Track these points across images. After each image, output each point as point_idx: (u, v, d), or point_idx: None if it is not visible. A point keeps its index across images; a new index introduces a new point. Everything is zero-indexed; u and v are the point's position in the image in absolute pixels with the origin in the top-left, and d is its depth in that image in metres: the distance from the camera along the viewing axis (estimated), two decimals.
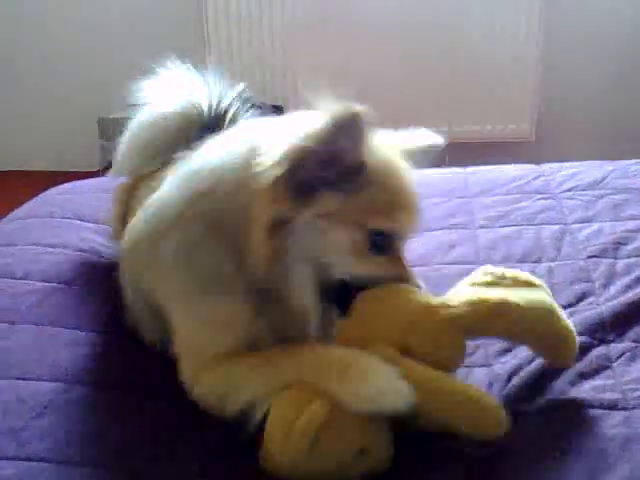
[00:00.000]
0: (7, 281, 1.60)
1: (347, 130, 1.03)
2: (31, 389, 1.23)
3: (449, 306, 1.10)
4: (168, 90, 1.63)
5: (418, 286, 1.17)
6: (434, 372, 1.04)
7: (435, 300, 1.13)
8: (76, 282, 1.60)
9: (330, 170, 1.05)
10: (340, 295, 1.14)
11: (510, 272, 1.19)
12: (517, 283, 1.15)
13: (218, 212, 1.12)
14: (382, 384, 0.99)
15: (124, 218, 1.56)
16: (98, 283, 1.61)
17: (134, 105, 1.65)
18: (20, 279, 1.60)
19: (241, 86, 1.67)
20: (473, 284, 1.18)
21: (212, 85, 1.65)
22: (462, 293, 1.15)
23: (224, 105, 1.63)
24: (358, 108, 1.02)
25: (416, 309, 1.11)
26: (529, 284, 1.17)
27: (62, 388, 1.24)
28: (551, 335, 1.11)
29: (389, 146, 1.18)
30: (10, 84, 4.44)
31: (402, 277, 1.15)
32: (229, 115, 1.62)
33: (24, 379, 1.26)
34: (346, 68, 3.93)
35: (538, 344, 1.13)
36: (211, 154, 1.21)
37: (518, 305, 1.08)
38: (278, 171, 1.03)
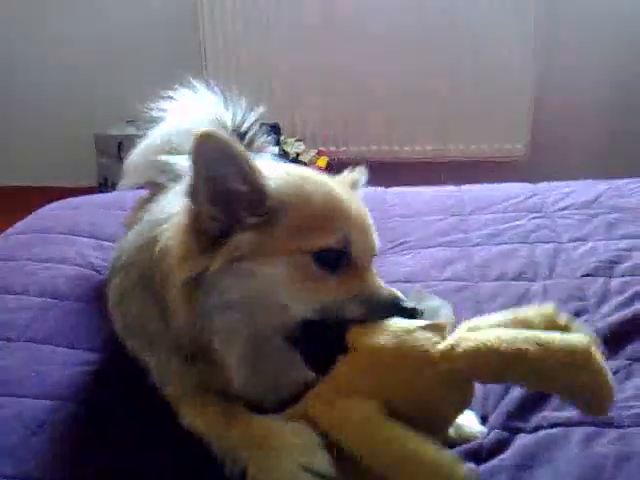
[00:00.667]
0: (4, 297, 1.60)
1: (210, 153, 0.98)
2: (27, 406, 1.23)
3: (450, 358, 0.94)
4: (190, 107, 1.65)
5: (396, 298, 1.06)
6: (411, 440, 0.90)
7: (434, 348, 0.96)
8: (72, 297, 1.61)
9: (228, 207, 1.01)
10: (309, 345, 1.04)
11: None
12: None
13: (150, 269, 1.14)
14: (290, 469, 0.94)
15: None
16: (94, 298, 1.61)
17: (143, 120, 1.66)
18: (16, 294, 1.61)
19: (260, 110, 1.71)
20: (502, 322, 1.01)
21: (235, 106, 1.68)
22: (478, 335, 0.96)
23: (245, 127, 1.67)
24: (208, 131, 0.98)
25: (409, 362, 0.96)
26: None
27: (57, 406, 1.24)
28: (580, 386, 0.94)
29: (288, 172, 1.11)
30: (7, 100, 4.46)
31: (366, 293, 1.05)
32: (248, 137, 1.67)
33: (21, 397, 1.26)
34: (342, 85, 3.97)
35: (563, 394, 0.99)
36: (165, 206, 1.23)
37: (537, 355, 0.91)
38: (180, 229, 1.04)
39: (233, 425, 1.05)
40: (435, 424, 0.96)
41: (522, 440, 1.08)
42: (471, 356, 0.92)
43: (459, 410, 1.02)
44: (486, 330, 0.96)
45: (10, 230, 2.06)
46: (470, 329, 0.98)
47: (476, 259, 1.80)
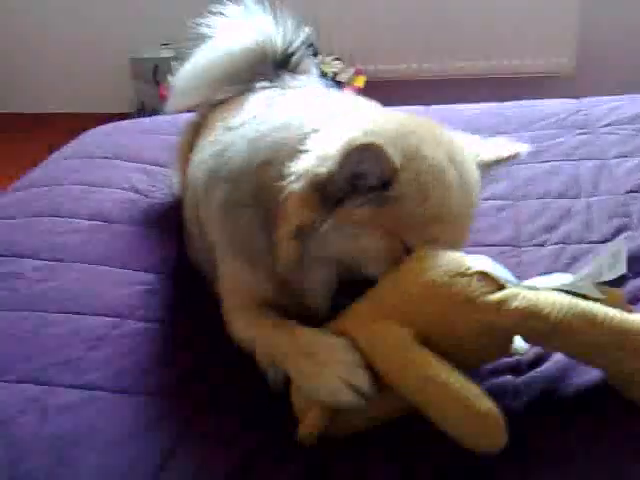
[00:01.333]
0: (54, 220, 1.65)
1: (362, 159, 0.99)
2: (84, 323, 1.28)
3: (500, 311, 0.93)
4: (240, 24, 1.63)
5: None
6: (441, 368, 0.92)
7: (485, 297, 0.95)
8: (121, 220, 1.65)
9: (355, 187, 1.03)
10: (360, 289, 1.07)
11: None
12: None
13: (263, 190, 1.13)
14: (332, 382, 0.97)
15: (189, 148, 1.57)
16: (142, 221, 1.66)
17: (181, 41, 1.66)
18: (66, 217, 1.66)
19: (307, 31, 1.69)
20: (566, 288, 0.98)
21: (284, 25, 1.65)
22: (533, 295, 0.94)
23: (294, 47, 1.65)
24: (371, 141, 0.99)
25: (455, 304, 0.96)
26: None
27: (114, 323, 1.28)
28: (628, 372, 0.94)
29: (445, 155, 1.09)
30: (41, 27, 4.45)
31: None
32: (295, 57, 1.65)
33: (77, 313, 1.31)
34: (379, 2, 3.86)
35: (611, 374, 0.99)
36: (280, 120, 1.20)
37: (586, 331, 0.91)
38: (309, 181, 1.03)
39: (282, 333, 1.08)
40: (467, 363, 0.96)
41: (558, 356, 1.09)
42: (520, 316, 0.91)
43: (495, 358, 1.04)
44: (543, 292, 0.95)
45: (54, 155, 2.10)
46: (527, 287, 0.97)
47: (520, 177, 1.78)
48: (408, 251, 1.04)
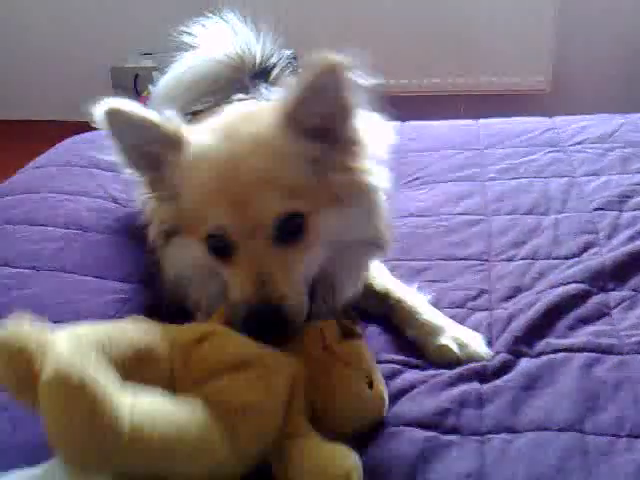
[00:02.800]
0: (29, 228, 1.65)
1: (330, 79, 1.02)
2: None
3: None
4: (220, 36, 1.65)
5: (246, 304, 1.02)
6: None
7: None
8: (97, 229, 1.66)
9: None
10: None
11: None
12: None
13: None
14: None
15: None
16: (118, 230, 1.66)
17: (162, 51, 1.67)
18: (42, 226, 1.66)
19: (280, 39, 1.72)
20: None
21: (264, 39, 1.68)
22: None
23: (273, 60, 1.68)
24: (338, 58, 1.02)
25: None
26: None
27: None
28: None
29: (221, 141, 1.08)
30: (23, 33, 4.44)
31: (246, 290, 1.02)
32: (276, 71, 1.67)
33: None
34: (357, 17, 3.90)
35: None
36: None
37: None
38: None
39: None
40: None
41: (526, 364, 1.12)
42: None
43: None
44: None
45: (31, 164, 2.10)
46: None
47: (490, 194, 1.82)
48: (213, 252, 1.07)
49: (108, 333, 0.90)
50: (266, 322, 1.01)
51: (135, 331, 0.94)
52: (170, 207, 1.11)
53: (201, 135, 1.10)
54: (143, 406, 0.81)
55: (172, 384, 0.93)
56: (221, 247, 1.05)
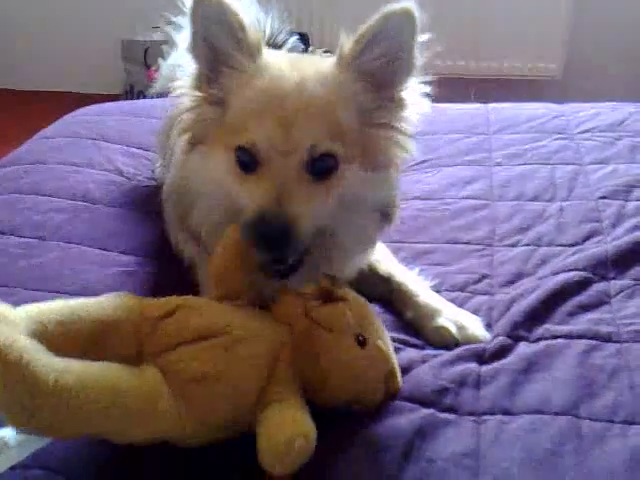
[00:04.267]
0: (36, 198, 1.67)
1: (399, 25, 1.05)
2: None
3: None
4: None
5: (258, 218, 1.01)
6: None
7: None
8: (103, 202, 1.67)
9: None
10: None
11: None
12: None
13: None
14: None
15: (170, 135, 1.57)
16: (124, 204, 1.68)
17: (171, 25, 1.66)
18: (48, 196, 1.68)
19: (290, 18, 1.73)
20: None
21: (273, 16, 1.68)
22: None
23: (282, 37, 1.68)
24: (407, 7, 1.04)
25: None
26: None
27: None
28: None
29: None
30: (35, 3, 4.43)
31: (264, 197, 1.02)
32: (285, 49, 1.66)
33: (54, 292, 1.32)
34: None
35: None
36: None
37: None
38: None
39: None
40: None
41: (524, 348, 1.14)
42: None
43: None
44: None
45: (39, 134, 2.11)
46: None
47: (496, 179, 1.82)
48: (241, 165, 1.06)
49: (70, 308, 0.93)
50: (273, 236, 1.01)
51: (99, 307, 0.96)
52: (212, 110, 1.11)
53: (273, 57, 1.12)
54: (73, 370, 0.83)
55: (140, 357, 0.95)
56: (247, 162, 1.06)
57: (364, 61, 1.07)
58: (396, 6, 1.02)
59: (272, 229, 1.00)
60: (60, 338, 0.89)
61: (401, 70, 1.08)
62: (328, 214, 1.08)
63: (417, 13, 1.03)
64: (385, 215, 1.18)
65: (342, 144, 1.05)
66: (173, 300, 1.02)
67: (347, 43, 1.08)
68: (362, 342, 1.00)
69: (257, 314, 1.03)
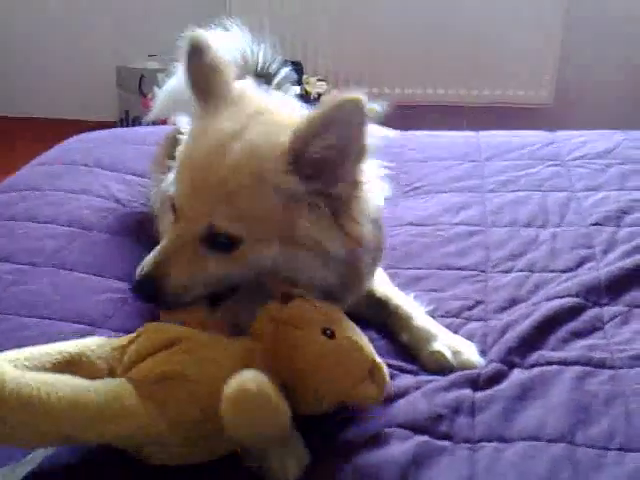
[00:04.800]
0: (31, 225, 1.67)
1: (348, 116, 1.00)
2: (55, 329, 1.28)
3: None
4: (224, 39, 1.66)
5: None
6: None
7: None
8: (98, 228, 1.67)
9: None
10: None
11: None
12: None
13: None
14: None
15: (166, 161, 1.58)
16: (120, 230, 1.68)
17: (166, 54, 1.68)
18: (44, 223, 1.68)
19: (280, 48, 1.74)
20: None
21: (267, 44, 1.70)
22: None
23: (275, 66, 1.70)
24: (358, 96, 0.99)
25: None
26: None
27: (85, 330, 1.28)
28: None
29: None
30: (30, 32, 4.46)
31: (151, 259, 1.09)
32: (279, 77, 1.70)
33: (48, 318, 1.32)
34: (365, 26, 3.93)
35: None
36: None
37: None
38: None
39: None
40: None
41: (518, 374, 1.13)
42: None
43: None
44: None
45: (34, 161, 2.12)
46: None
47: (489, 205, 1.83)
48: None
49: (40, 348, 0.98)
50: (139, 289, 1.09)
51: (67, 343, 1.01)
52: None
53: (235, 110, 1.12)
54: (33, 377, 0.88)
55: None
56: (174, 209, 1.11)
57: (309, 151, 1.03)
58: (345, 96, 0.99)
59: (139, 287, 1.09)
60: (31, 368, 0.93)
61: (349, 158, 1.04)
62: (231, 281, 1.10)
63: (366, 102, 0.99)
64: (330, 295, 1.14)
65: (249, 226, 1.04)
66: (137, 330, 1.06)
67: (298, 127, 1.04)
68: (330, 335, 1.01)
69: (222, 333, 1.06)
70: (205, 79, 1.14)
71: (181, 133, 1.24)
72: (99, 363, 0.99)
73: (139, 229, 1.69)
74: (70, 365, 0.97)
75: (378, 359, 1.05)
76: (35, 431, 0.87)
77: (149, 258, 1.08)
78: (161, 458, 0.95)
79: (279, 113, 1.14)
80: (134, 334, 1.05)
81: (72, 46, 4.45)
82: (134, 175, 1.98)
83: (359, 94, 0.99)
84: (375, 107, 1.03)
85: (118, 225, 1.70)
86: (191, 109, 1.53)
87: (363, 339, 1.06)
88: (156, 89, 1.89)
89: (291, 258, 1.08)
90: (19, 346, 1.17)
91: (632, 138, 2.16)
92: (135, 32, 4.27)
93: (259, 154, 1.05)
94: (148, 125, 2.23)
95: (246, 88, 1.19)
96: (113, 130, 2.51)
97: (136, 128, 2.60)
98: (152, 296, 1.09)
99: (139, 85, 3.98)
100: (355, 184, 1.07)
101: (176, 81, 1.67)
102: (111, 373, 0.99)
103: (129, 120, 4.04)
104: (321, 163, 1.03)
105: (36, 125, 4.46)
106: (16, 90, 4.63)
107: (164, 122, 2.18)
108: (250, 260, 1.07)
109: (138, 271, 1.08)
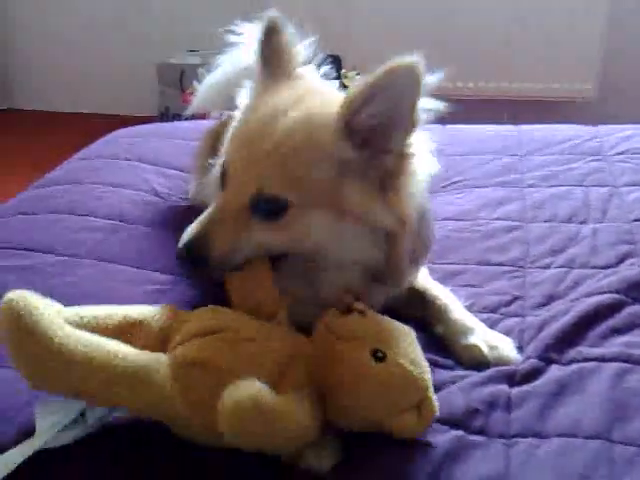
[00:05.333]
0: (73, 217, 1.70)
1: (403, 80, 1.00)
2: None
3: None
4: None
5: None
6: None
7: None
8: (139, 221, 1.70)
9: None
10: None
11: None
12: None
13: None
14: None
15: (207, 155, 1.58)
16: (160, 224, 1.70)
17: (206, 49, 1.70)
18: (85, 216, 1.71)
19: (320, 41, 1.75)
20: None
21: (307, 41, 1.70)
22: None
23: (316, 61, 1.69)
24: (412, 62, 1.00)
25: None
26: None
27: None
28: None
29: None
30: (71, 28, 4.55)
31: (198, 225, 1.10)
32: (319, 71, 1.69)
33: None
34: (405, 19, 3.90)
35: None
36: None
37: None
38: None
39: None
40: None
41: (556, 371, 1.12)
42: None
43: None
44: None
45: (77, 155, 2.17)
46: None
47: (529, 200, 1.81)
48: None
49: (104, 308, 1.03)
50: (189, 264, 1.11)
51: (131, 308, 1.05)
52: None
53: (288, 89, 1.14)
54: (83, 336, 0.92)
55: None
56: (222, 178, 1.13)
57: (362, 117, 1.03)
58: (401, 61, 0.99)
59: (188, 259, 1.10)
60: (89, 327, 0.97)
61: (400, 127, 1.04)
62: (277, 249, 1.10)
63: (423, 69, 0.99)
64: (376, 277, 1.15)
65: (299, 192, 1.05)
66: (197, 309, 1.09)
67: (351, 93, 1.05)
68: (380, 357, 0.97)
69: (278, 328, 1.05)
70: (275, 57, 1.19)
71: (224, 127, 1.26)
72: (157, 332, 1.01)
73: (179, 222, 1.70)
74: (131, 328, 1.00)
75: (431, 392, 0.99)
76: (69, 384, 0.91)
77: (194, 225, 1.09)
78: (187, 435, 0.97)
79: (333, 92, 1.20)
80: (194, 311, 1.07)
81: (114, 43, 4.53)
82: (174, 169, 2.01)
83: (415, 60, 0.99)
84: (438, 105, 1.05)
85: (158, 219, 1.73)
86: (231, 103, 1.56)
87: (420, 368, 1.00)
88: (196, 84, 1.91)
89: (338, 231, 1.08)
90: None
91: None
92: (175, 28, 4.32)
93: (313, 120, 1.07)
94: (188, 120, 2.26)
95: (306, 72, 1.23)
96: (153, 125, 2.55)
97: (176, 123, 2.63)
98: (196, 260, 1.09)
99: (180, 80, 4.03)
100: (403, 156, 1.07)
101: (217, 75, 1.69)
102: (165, 342, 1.00)
103: (169, 115, 4.10)
104: (371, 131, 1.04)
105: (79, 120, 4.55)
106: (58, 86, 4.73)
107: (204, 117, 2.22)
108: (296, 229, 1.07)
109: (182, 238, 1.09)
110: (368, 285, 1.16)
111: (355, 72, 3.89)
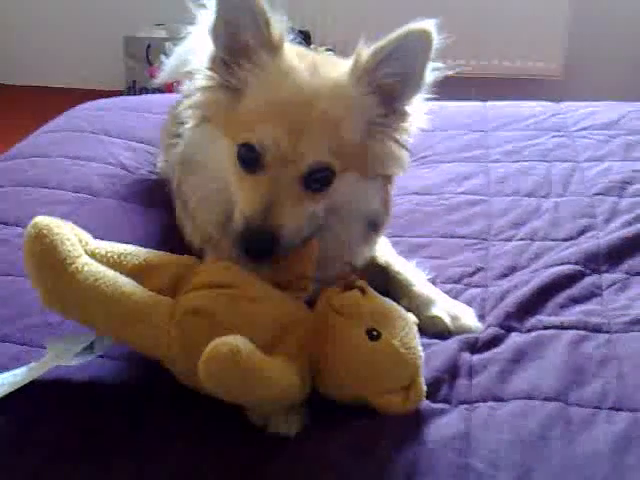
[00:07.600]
0: (40, 190, 1.69)
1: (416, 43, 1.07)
2: None
3: None
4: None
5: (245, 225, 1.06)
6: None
7: None
8: (107, 194, 1.70)
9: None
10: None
11: None
12: None
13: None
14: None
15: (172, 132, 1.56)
16: (128, 196, 1.70)
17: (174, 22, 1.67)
18: (53, 189, 1.70)
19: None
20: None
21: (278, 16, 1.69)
22: None
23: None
24: (425, 27, 1.07)
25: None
26: None
27: None
28: None
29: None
30: (40, 1, 4.45)
31: (254, 207, 1.06)
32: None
33: None
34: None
35: None
36: None
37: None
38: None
39: None
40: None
41: (516, 338, 1.16)
42: None
43: None
44: None
45: (43, 128, 2.14)
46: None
47: (493, 175, 1.84)
48: (241, 161, 1.09)
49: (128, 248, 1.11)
50: (257, 251, 1.06)
51: (152, 252, 1.13)
52: (224, 96, 1.12)
53: (293, 56, 1.13)
54: (105, 272, 1.00)
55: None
56: (248, 160, 1.08)
57: (378, 75, 1.09)
58: (417, 25, 1.06)
59: (256, 245, 1.06)
60: (111, 262, 1.06)
61: (411, 86, 1.11)
62: (316, 223, 1.12)
63: (436, 34, 1.07)
64: (373, 225, 1.21)
65: (342, 158, 1.08)
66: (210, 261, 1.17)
67: (364, 54, 1.09)
68: (375, 336, 1.00)
69: (284, 296, 1.07)
70: (256, 33, 1.10)
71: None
72: (170, 278, 1.07)
73: (147, 195, 1.71)
74: (149, 271, 1.07)
75: (421, 377, 1.02)
76: (76, 310, 1.00)
77: (248, 208, 1.06)
78: (176, 374, 1.02)
79: (331, 58, 1.23)
80: (207, 265, 1.11)
81: (79, 15, 4.43)
82: (141, 142, 2.00)
83: (429, 25, 1.07)
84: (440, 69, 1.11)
85: (126, 192, 1.72)
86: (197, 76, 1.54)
87: (412, 353, 1.02)
88: (163, 57, 1.90)
89: (363, 189, 1.14)
90: (27, 308, 1.24)
91: (638, 109, 2.16)
92: (143, 1, 4.25)
93: (343, 85, 1.10)
94: (154, 93, 2.25)
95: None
96: (120, 98, 2.52)
97: (142, 96, 2.61)
98: (268, 249, 1.05)
99: (146, 54, 3.98)
100: (405, 115, 1.14)
101: (186, 46, 1.68)
102: (176, 289, 1.05)
103: (136, 89, 4.05)
104: (388, 88, 1.10)
105: (43, 94, 4.47)
106: (22, 60, 4.63)
107: (170, 90, 2.21)
108: (336, 196, 1.11)
109: (238, 227, 1.07)
110: (323, 259, 1.16)
111: (324, 48, 3.88)
